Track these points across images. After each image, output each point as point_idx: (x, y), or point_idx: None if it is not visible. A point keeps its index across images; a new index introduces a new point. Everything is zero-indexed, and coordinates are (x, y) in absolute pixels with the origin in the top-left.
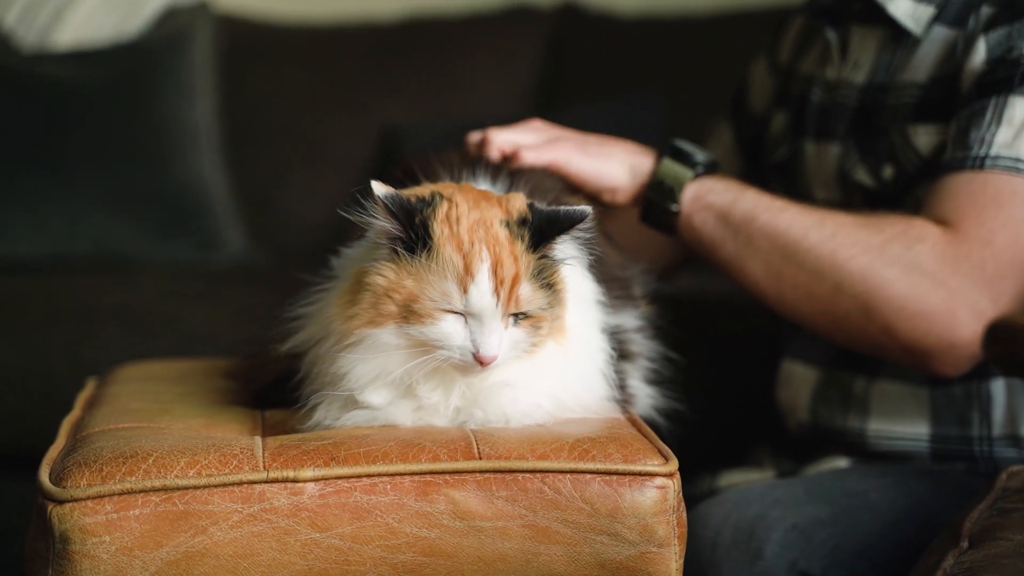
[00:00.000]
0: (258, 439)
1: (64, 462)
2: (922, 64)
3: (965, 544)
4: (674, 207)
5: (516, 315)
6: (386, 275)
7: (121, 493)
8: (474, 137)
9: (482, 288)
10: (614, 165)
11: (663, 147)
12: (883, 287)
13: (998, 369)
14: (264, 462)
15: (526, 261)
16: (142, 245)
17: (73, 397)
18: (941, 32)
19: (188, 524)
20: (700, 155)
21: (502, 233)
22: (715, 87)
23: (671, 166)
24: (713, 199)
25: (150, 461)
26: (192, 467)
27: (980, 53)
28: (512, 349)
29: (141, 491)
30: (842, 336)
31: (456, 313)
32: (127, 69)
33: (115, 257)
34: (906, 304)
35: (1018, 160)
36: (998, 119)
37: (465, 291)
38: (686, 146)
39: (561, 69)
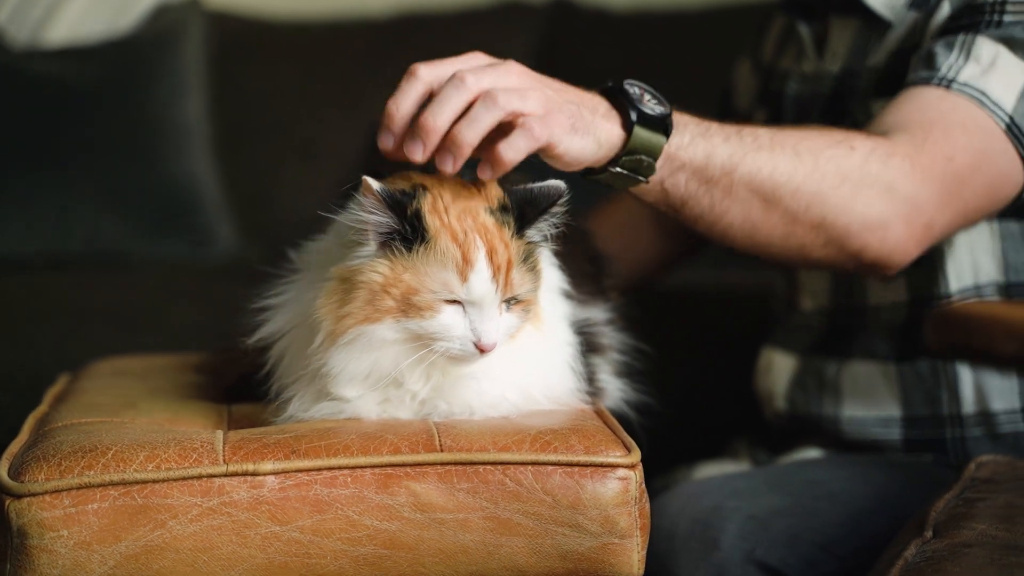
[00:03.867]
0: (219, 433)
1: (23, 457)
2: (890, 46)
3: (929, 533)
4: (644, 180)
5: (508, 300)
6: (381, 271)
7: (79, 487)
8: (471, 84)
9: (482, 276)
10: (590, 142)
11: (615, 99)
12: (863, 212)
13: (942, 356)
14: (224, 456)
15: (515, 247)
16: (134, 242)
17: None
18: (910, 15)
19: (147, 518)
20: (656, 103)
21: (489, 221)
22: (707, 82)
23: (646, 137)
24: (685, 157)
25: (109, 455)
26: (151, 461)
27: (944, 10)
28: (506, 334)
29: (100, 485)
30: (809, 265)
31: (455, 303)
32: (118, 66)
33: (107, 254)
34: (879, 224)
35: (984, 94)
36: (966, 54)
37: (465, 280)
38: (639, 92)
39: (553, 64)
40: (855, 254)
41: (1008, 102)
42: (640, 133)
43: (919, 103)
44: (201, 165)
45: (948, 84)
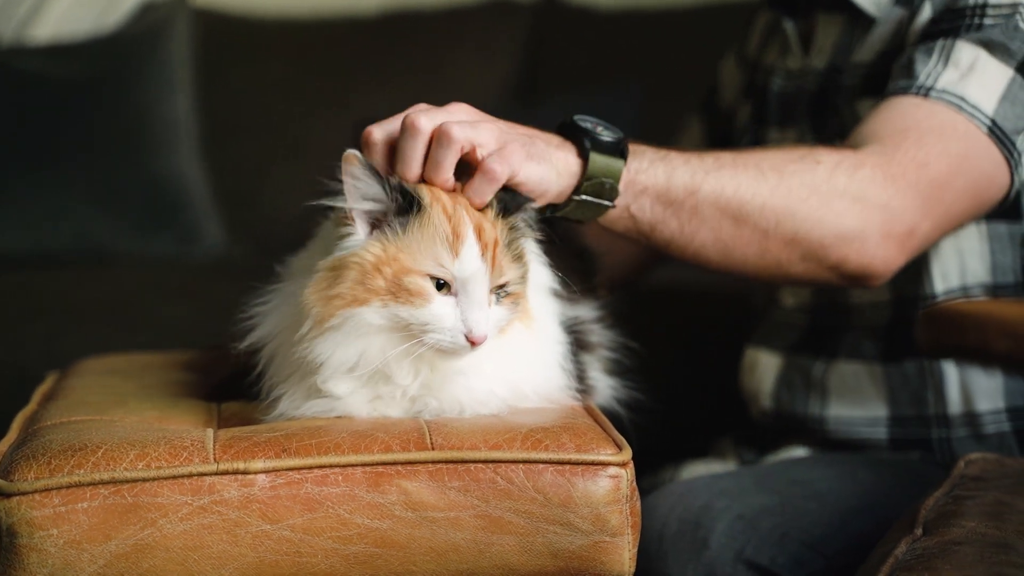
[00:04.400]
0: (210, 431)
1: (13, 456)
2: (875, 43)
3: (919, 531)
4: (611, 204)
5: (498, 292)
6: (374, 251)
7: (69, 486)
8: (424, 125)
9: (472, 251)
10: (549, 169)
11: (569, 132)
12: (835, 223)
13: (934, 355)
14: (215, 454)
15: (500, 227)
16: (121, 239)
17: None
18: (895, 12)
19: (137, 517)
20: (610, 132)
21: None
22: (692, 78)
23: (603, 162)
24: (646, 180)
25: (99, 454)
26: (142, 459)
27: (926, 12)
28: (495, 327)
29: (90, 484)
30: (789, 281)
31: (446, 291)
32: (105, 63)
33: (94, 251)
34: (855, 235)
35: (963, 99)
36: (945, 60)
37: (456, 255)
38: (591, 125)
39: (541, 61)
40: (834, 267)
41: (988, 105)
42: (596, 158)
43: (894, 112)
44: (188, 162)
45: (926, 92)
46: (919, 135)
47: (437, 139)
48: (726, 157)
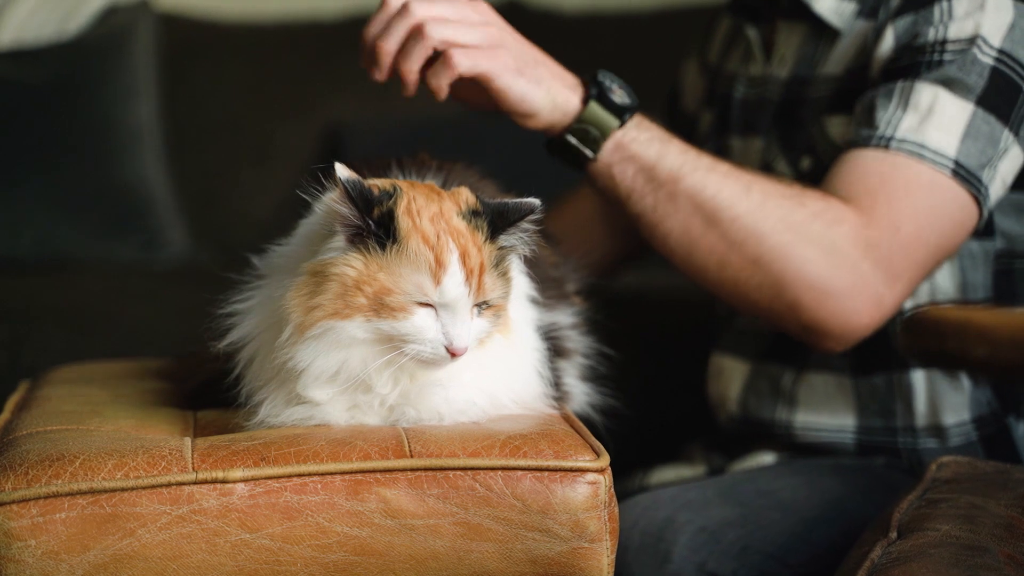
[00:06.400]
0: (188, 440)
1: None
2: (841, 57)
3: (894, 535)
4: (592, 155)
5: (479, 305)
6: (355, 266)
7: (47, 496)
8: (395, 4)
9: (455, 279)
10: (541, 93)
11: (589, 83)
12: (800, 265)
13: (914, 361)
14: (193, 463)
15: (487, 251)
16: (84, 245)
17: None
18: (859, 24)
19: (116, 527)
20: (625, 96)
21: (461, 224)
22: (657, 83)
23: (599, 113)
24: (637, 150)
25: (77, 464)
26: (120, 469)
27: (888, 41)
28: (476, 339)
29: (68, 494)
30: (745, 306)
31: (427, 306)
32: (67, 68)
33: (57, 257)
34: (817, 284)
35: (922, 146)
36: (904, 104)
37: (438, 283)
38: (609, 82)
39: None
40: (789, 307)
41: (950, 147)
42: (594, 108)
43: (861, 170)
44: (152, 168)
45: (887, 143)
46: (888, 196)
47: (412, 33)
48: (723, 164)
